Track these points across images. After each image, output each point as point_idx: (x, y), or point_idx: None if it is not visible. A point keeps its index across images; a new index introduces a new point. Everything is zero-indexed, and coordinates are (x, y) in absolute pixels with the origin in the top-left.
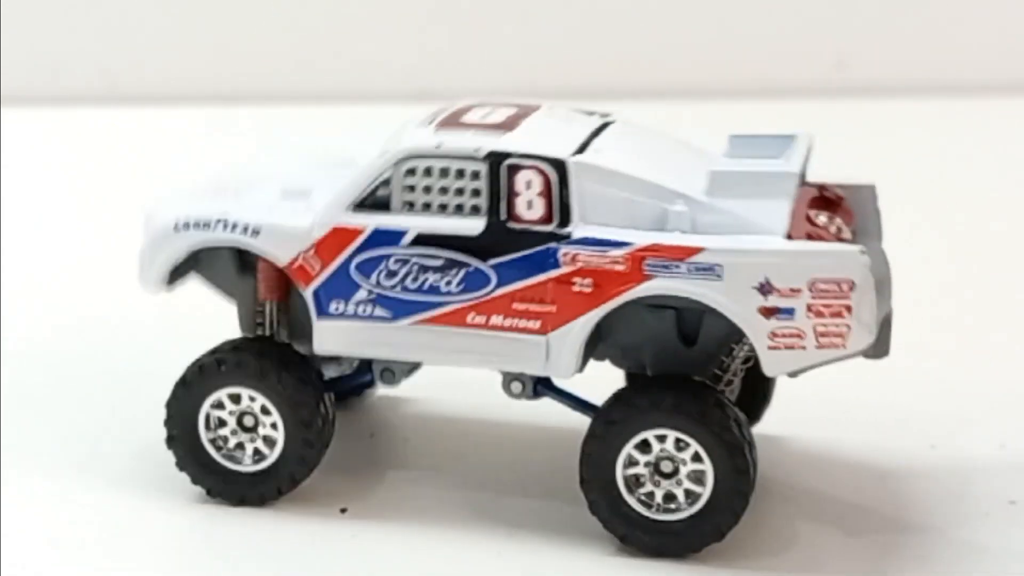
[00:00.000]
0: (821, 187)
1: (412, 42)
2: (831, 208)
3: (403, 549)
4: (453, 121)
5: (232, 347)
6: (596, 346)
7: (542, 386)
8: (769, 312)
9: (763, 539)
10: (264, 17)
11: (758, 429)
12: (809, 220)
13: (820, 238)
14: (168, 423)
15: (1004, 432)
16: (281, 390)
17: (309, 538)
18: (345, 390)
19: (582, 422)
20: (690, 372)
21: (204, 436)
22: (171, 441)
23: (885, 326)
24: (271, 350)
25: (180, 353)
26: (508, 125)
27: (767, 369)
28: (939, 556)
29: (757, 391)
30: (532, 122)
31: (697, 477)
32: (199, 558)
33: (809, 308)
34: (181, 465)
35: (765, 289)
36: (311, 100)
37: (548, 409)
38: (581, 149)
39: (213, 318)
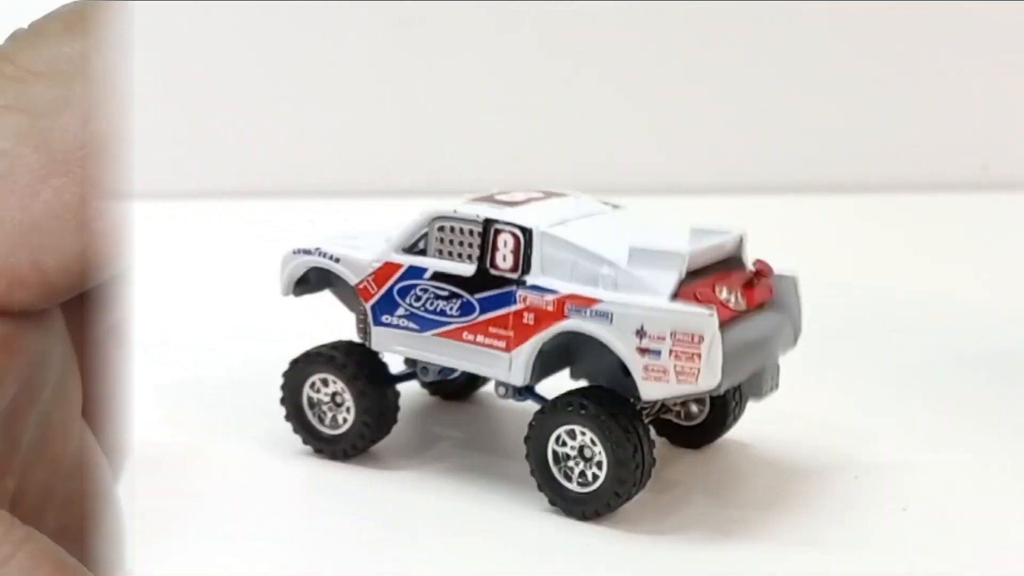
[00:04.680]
0: (758, 267)
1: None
2: (748, 285)
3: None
4: (485, 198)
5: (332, 346)
6: (562, 367)
7: (524, 392)
8: (643, 351)
9: (765, 529)
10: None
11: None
12: (712, 289)
13: (708, 303)
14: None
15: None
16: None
17: None
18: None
19: None
20: (630, 393)
21: (306, 403)
22: (283, 401)
23: (757, 377)
24: (357, 350)
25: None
26: (518, 203)
27: (643, 394)
28: (937, 553)
29: (718, 412)
30: (541, 203)
31: (597, 463)
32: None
33: (671, 352)
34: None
35: (641, 333)
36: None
37: None
38: (558, 224)
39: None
